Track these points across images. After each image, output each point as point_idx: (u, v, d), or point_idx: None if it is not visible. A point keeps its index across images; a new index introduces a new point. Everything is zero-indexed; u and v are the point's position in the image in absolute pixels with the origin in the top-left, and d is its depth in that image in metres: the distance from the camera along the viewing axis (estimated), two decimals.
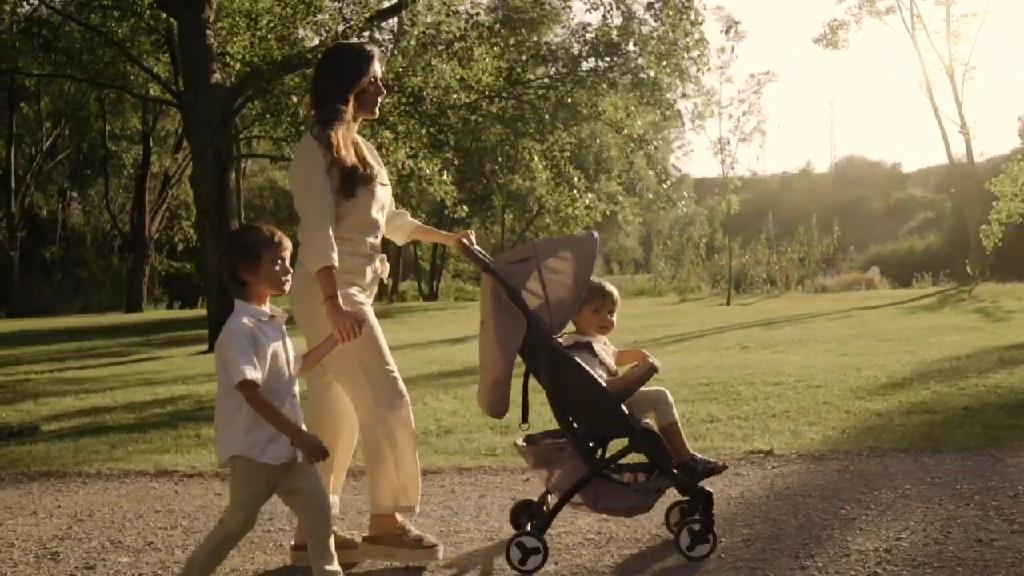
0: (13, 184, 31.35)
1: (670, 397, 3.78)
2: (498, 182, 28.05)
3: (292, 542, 3.85)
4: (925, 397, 7.05)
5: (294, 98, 14.75)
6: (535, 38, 15.82)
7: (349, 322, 3.47)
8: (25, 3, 18.87)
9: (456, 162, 15.23)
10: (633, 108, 14.81)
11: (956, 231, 33.05)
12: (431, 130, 14.04)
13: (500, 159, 25.24)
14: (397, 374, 3.73)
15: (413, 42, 14.38)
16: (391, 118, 13.57)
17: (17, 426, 7.80)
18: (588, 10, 16.81)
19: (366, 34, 15.06)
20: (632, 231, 41.75)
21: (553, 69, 14.65)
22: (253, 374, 3.01)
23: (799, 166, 75.53)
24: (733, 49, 22.14)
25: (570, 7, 15.98)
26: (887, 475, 4.76)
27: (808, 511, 4.17)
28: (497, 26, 16.23)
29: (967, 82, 26.92)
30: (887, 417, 6.34)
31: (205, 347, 14.96)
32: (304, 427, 3.18)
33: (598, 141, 18.18)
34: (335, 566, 3.18)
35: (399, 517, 3.76)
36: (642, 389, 3.71)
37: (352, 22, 14.83)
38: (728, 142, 23.27)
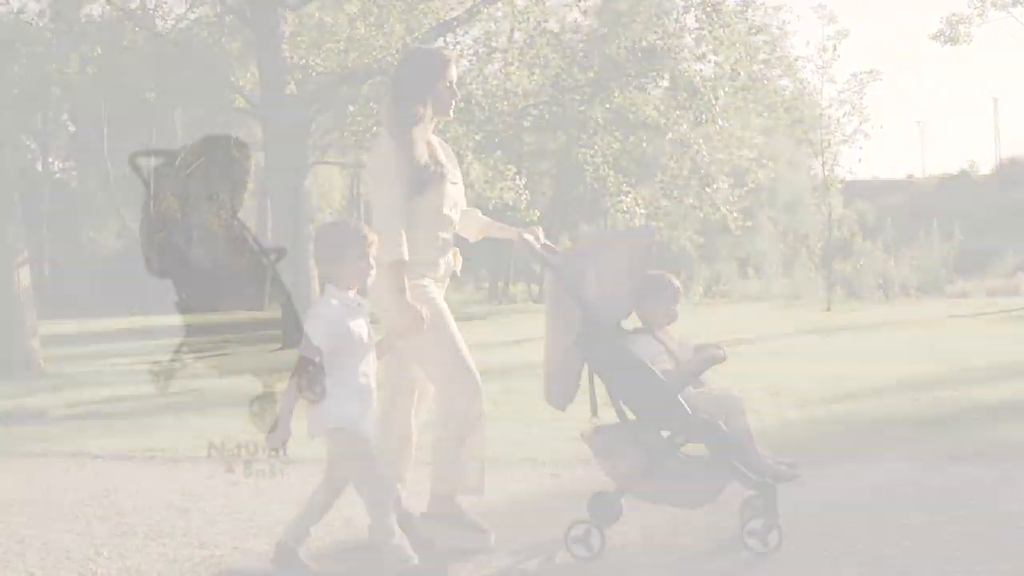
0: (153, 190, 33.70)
1: (743, 404, 3.74)
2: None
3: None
4: (864, 408, 6.91)
5: (351, 107, 15.37)
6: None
7: (412, 315, 3.73)
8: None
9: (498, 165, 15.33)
10: (677, 112, 14.74)
11: None
12: (477, 138, 14.34)
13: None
14: (469, 364, 3.88)
15: (467, 51, 14.76)
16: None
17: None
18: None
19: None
20: (769, 234, 40.82)
21: (592, 74, 14.71)
22: (314, 355, 3.37)
23: (961, 167, 71.68)
24: (835, 48, 21.36)
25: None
26: None
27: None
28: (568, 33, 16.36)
29: None
30: (793, 427, 6.27)
31: (279, 345, 15.62)
32: (375, 402, 3.55)
33: (644, 144, 18.03)
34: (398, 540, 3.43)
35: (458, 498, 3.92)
36: (716, 394, 3.76)
37: (416, 33, 15.31)
38: (828, 144, 22.60)
